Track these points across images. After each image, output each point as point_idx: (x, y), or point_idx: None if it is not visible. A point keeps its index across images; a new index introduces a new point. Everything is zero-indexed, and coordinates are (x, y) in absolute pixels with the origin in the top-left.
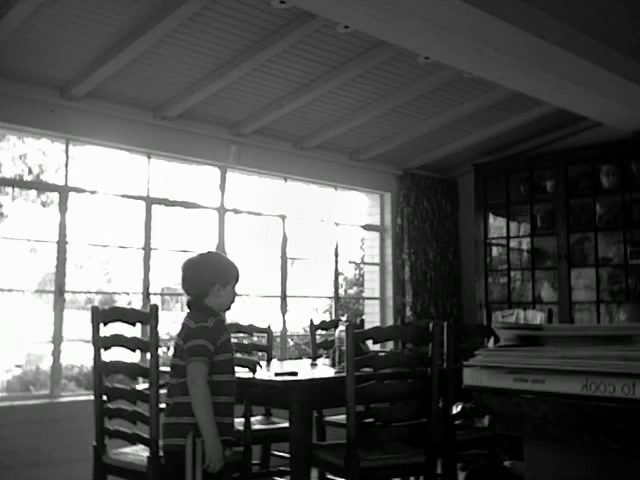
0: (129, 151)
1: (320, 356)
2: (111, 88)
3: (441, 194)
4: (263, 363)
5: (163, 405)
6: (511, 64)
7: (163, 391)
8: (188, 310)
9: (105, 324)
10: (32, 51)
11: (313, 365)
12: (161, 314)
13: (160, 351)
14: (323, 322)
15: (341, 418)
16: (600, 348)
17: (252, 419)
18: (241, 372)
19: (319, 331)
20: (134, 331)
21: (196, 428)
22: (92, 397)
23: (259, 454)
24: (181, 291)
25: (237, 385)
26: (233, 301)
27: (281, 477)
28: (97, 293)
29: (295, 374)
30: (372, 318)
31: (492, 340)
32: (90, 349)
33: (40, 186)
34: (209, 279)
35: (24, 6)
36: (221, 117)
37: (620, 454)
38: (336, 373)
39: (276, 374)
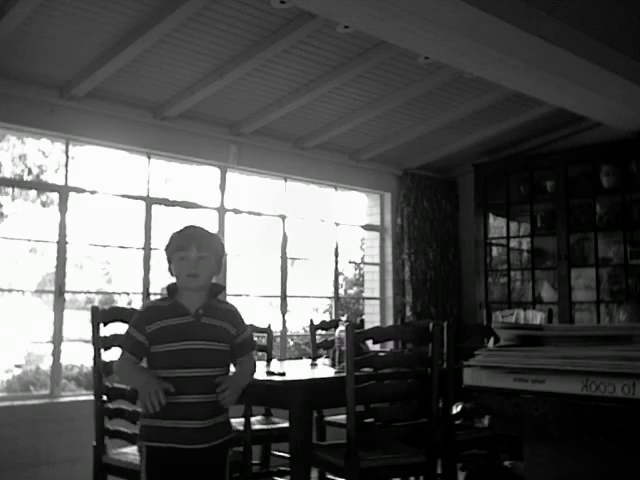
0: (129, 151)
1: (320, 356)
2: (111, 88)
3: (441, 194)
4: (261, 363)
5: None
6: (511, 64)
7: None
8: None
9: (105, 324)
10: (32, 51)
11: (313, 365)
12: None
13: None
14: (323, 322)
15: (341, 418)
16: (600, 348)
17: (252, 419)
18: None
19: (319, 331)
20: None
21: (141, 429)
22: (92, 397)
23: (259, 454)
24: None
25: (199, 380)
26: (185, 274)
27: (281, 477)
28: (97, 293)
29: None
30: (372, 318)
31: (492, 340)
32: (90, 349)
33: (40, 186)
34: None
35: (24, 6)
36: (221, 117)
37: (620, 454)
38: (336, 373)
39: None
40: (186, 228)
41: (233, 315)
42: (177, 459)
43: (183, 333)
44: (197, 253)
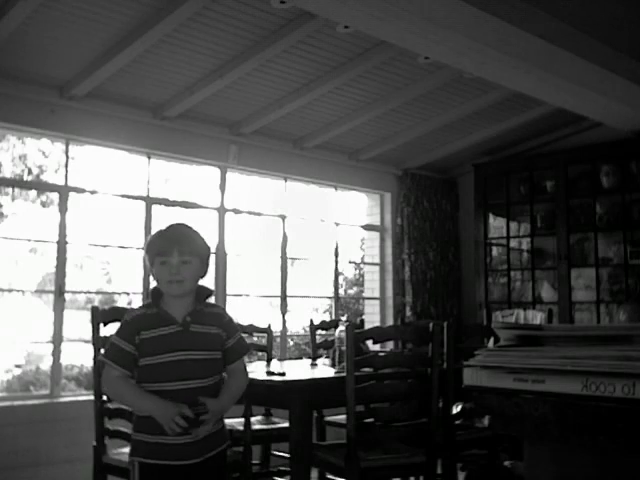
0: (129, 151)
1: (320, 356)
2: (111, 88)
3: (441, 194)
4: (261, 363)
5: None
6: (511, 64)
7: None
8: None
9: (105, 324)
10: (32, 51)
11: (313, 365)
12: None
13: None
14: (323, 322)
15: (341, 418)
16: (600, 348)
17: (252, 419)
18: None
19: (319, 331)
20: None
21: (133, 445)
22: (92, 397)
23: (259, 454)
24: None
25: (191, 392)
26: (166, 280)
27: (281, 477)
28: (97, 293)
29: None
30: (372, 318)
31: (492, 340)
32: (90, 349)
33: (40, 186)
34: None
35: (24, 6)
36: (221, 117)
37: (620, 454)
38: (336, 373)
39: (268, 372)
40: (167, 229)
41: (222, 318)
42: (170, 475)
43: (172, 344)
44: (179, 258)
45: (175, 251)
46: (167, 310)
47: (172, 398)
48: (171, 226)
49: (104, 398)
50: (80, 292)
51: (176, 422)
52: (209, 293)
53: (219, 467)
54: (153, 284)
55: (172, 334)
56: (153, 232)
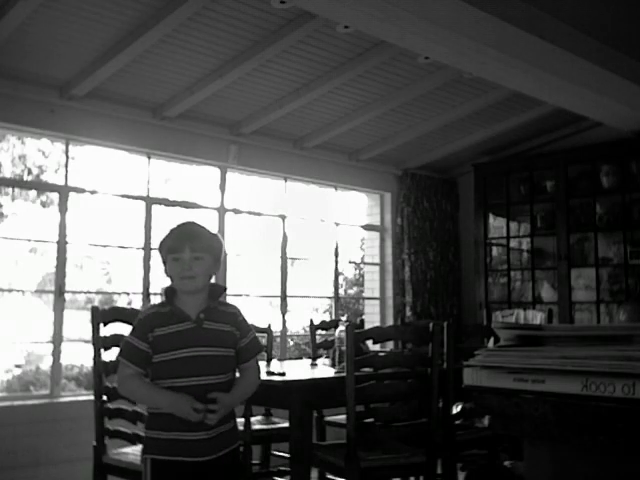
0: (129, 151)
1: (320, 356)
2: (111, 88)
3: (441, 194)
4: (261, 363)
5: None
6: (511, 64)
7: None
8: None
9: (105, 324)
10: (32, 51)
11: (313, 365)
12: None
13: None
14: (323, 322)
15: (341, 418)
16: (600, 348)
17: (252, 419)
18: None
19: (319, 331)
20: None
21: (146, 442)
22: (92, 397)
23: (259, 454)
24: None
25: (205, 389)
26: (178, 276)
27: (281, 477)
28: (97, 293)
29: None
30: (372, 318)
31: (492, 340)
32: (90, 349)
33: (40, 186)
34: None
35: (24, 6)
36: (221, 117)
37: (620, 454)
38: (336, 373)
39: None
40: (179, 227)
41: (236, 317)
42: (184, 472)
43: (185, 340)
44: (191, 254)
45: (187, 247)
46: (181, 307)
47: (185, 394)
48: (182, 224)
49: (104, 398)
50: (80, 292)
51: (195, 408)
52: (222, 291)
53: (231, 466)
54: (167, 283)
55: (186, 330)
56: (154, 232)
